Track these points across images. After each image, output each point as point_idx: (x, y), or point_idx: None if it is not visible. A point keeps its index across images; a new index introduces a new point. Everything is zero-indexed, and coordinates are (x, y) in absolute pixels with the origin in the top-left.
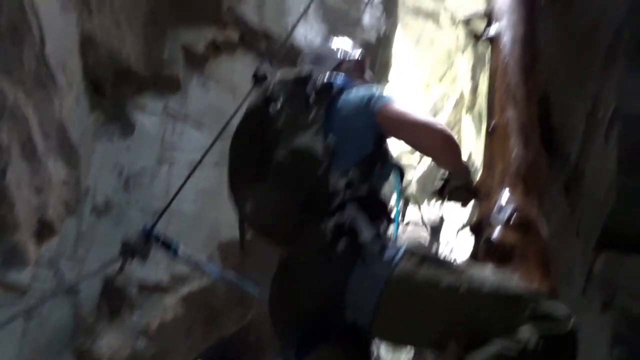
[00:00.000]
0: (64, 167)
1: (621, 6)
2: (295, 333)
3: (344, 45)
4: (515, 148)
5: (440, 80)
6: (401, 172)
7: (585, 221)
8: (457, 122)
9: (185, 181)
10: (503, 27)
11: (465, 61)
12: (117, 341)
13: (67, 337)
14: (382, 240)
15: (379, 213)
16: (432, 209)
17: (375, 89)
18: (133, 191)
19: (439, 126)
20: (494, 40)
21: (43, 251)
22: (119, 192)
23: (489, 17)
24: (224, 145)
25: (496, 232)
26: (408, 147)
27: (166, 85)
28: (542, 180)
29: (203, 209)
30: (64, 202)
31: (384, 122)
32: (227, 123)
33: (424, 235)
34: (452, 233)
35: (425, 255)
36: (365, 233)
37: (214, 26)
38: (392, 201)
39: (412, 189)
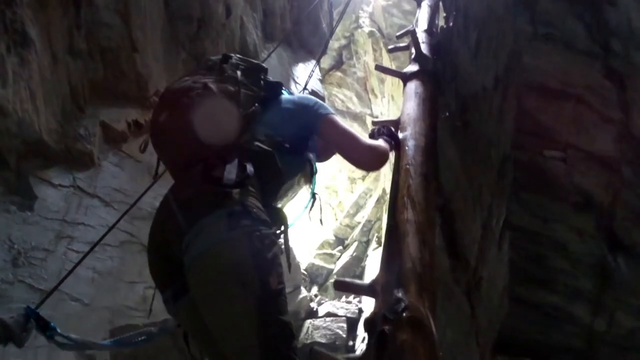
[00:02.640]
0: None
1: (503, 138)
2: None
3: None
4: (411, 248)
5: (363, 179)
6: (313, 169)
7: (483, 325)
8: (378, 219)
9: (81, 260)
10: (407, 135)
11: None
12: None
13: None
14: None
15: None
16: (351, 302)
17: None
18: (22, 268)
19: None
20: (399, 146)
21: None
22: (5, 268)
23: (396, 125)
24: (134, 225)
25: (388, 327)
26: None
27: (78, 160)
28: (435, 282)
29: (99, 292)
30: None
31: (327, 127)
32: (135, 202)
33: (341, 327)
34: None
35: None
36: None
37: (138, 107)
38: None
39: (333, 279)
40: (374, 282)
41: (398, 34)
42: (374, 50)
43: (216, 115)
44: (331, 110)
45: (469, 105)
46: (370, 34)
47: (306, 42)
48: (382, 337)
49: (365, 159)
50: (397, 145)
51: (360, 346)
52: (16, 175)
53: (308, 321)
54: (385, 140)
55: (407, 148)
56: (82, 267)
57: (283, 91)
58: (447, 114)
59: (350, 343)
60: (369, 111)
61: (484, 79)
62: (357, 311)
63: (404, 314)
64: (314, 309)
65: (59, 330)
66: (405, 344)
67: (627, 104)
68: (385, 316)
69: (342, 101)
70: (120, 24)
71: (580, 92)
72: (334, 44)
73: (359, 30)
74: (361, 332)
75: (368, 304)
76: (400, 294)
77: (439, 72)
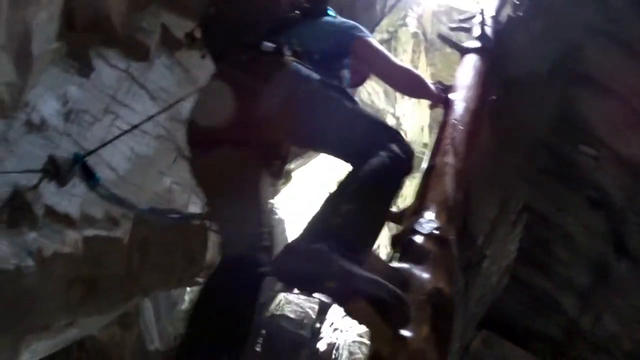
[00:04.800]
0: (14, 70)
1: (541, 123)
2: None
3: None
4: (447, 186)
5: None
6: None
7: (474, 300)
8: None
9: (127, 131)
10: (458, 97)
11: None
12: (5, 251)
13: None
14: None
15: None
16: None
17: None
18: (72, 124)
19: (408, 68)
20: (449, 104)
21: None
22: (58, 118)
23: (449, 90)
24: (172, 124)
25: (417, 238)
26: None
27: (135, 50)
28: (460, 223)
29: (132, 171)
30: (2, 102)
31: (361, 46)
32: (176, 103)
33: (312, 308)
34: (340, 314)
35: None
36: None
37: (196, 21)
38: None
39: None
40: (404, 210)
41: (462, 17)
42: (414, 51)
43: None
44: (368, 33)
45: (515, 88)
46: (414, 35)
47: (357, 16)
48: (410, 244)
49: (398, 78)
50: (446, 101)
51: (327, 330)
52: (80, 42)
53: (282, 294)
54: (437, 88)
55: (456, 107)
56: (122, 143)
57: (329, 12)
58: (494, 97)
59: (317, 325)
60: (392, 110)
61: (537, 65)
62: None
63: (434, 231)
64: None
65: (101, 182)
66: (431, 253)
67: None
68: (415, 229)
69: (369, 94)
70: None
71: (628, 94)
72: (376, 36)
73: (404, 28)
74: (330, 318)
75: None
76: (432, 217)
77: (496, 54)
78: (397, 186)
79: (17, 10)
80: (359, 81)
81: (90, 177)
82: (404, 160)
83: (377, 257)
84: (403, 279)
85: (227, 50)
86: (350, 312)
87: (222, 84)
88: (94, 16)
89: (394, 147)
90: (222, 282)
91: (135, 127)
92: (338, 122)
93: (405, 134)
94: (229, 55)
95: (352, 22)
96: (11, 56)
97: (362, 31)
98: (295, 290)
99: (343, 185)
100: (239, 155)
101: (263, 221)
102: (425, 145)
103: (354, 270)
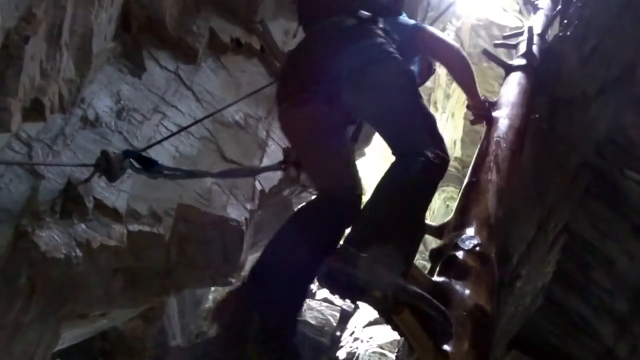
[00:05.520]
0: (74, 68)
1: (588, 145)
2: None
3: None
4: (489, 203)
5: None
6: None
7: (506, 319)
8: None
9: (176, 133)
10: (503, 114)
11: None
12: (57, 240)
13: (14, 212)
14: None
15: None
16: None
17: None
18: (123, 122)
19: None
20: (492, 121)
21: (24, 127)
22: (111, 115)
23: (492, 106)
24: (215, 127)
25: (459, 253)
26: None
27: (185, 52)
28: (500, 241)
29: None
30: (61, 97)
31: (422, 34)
32: (221, 110)
33: (334, 315)
34: (361, 324)
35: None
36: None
37: (243, 28)
38: None
39: None
40: (444, 224)
41: (506, 34)
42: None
43: None
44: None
45: (562, 108)
46: None
47: None
48: (452, 260)
49: (456, 60)
50: (489, 117)
51: (347, 339)
52: (133, 43)
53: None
54: (484, 101)
55: (500, 124)
56: (169, 143)
57: (402, 15)
58: (537, 115)
59: (338, 333)
60: None
61: (587, 86)
62: (353, 306)
63: (476, 248)
64: (312, 290)
65: (164, 165)
66: (472, 269)
67: None
68: (456, 245)
69: None
70: None
71: None
72: None
73: None
74: (351, 327)
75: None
76: (474, 233)
77: (543, 73)
78: (432, 191)
79: (79, 11)
80: (422, 80)
81: (151, 164)
82: (437, 168)
83: (420, 270)
84: (445, 294)
85: (324, 16)
86: (393, 323)
87: (313, 43)
88: (148, 18)
89: (432, 154)
90: (316, 210)
91: (183, 129)
92: (403, 108)
93: None
94: (326, 20)
95: (414, 21)
96: (72, 54)
97: (423, 25)
98: (317, 297)
99: (383, 189)
100: (321, 111)
101: (352, 173)
102: (456, 159)
103: (401, 282)
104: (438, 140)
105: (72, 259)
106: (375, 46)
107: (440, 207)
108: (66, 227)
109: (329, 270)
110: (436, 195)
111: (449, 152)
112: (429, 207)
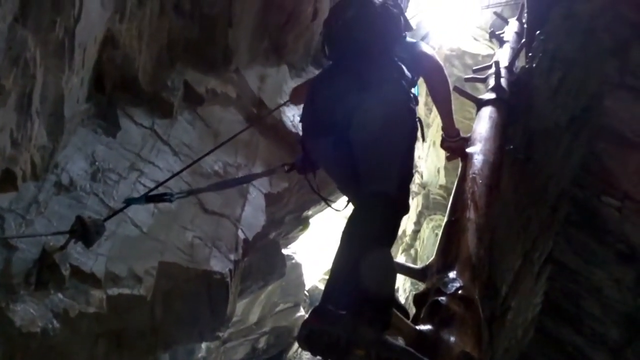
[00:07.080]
0: (46, 134)
1: (565, 174)
2: None
3: None
4: (469, 242)
5: None
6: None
7: (501, 353)
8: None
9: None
10: (477, 150)
11: (412, 206)
12: (33, 313)
13: None
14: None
15: None
16: None
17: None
18: (98, 183)
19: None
20: (467, 157)
21: None
22: (85, 178)
23: (466, 142)
24: (194, 179)
25: (442, 298)
26: None
27: (159, 107)
28: (484, 279)
29: (156, 226)
30: (33, 165)
31: (416, 47)
32: (198, 160)
33: None
34: None
35: None
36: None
37: (218, 78)
38: None
39: None
40: (426, 266)
41: (475, 68)
42: (427, 94)
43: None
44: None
45: (536, 139)
46: None
47: None
48: (435, 306)
49: (433, 63)
50: (464, 154)
51: None
52: (107, 103)
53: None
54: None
55: (475, 160)
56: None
57: (407, 38)
58: (512, 147)
59: None
60: None
61: (558, 117)
62: None
63: (459, 291)
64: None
65: (174, 193)
66: (457, 315)
67: None
68: (439, 290)
69: None
70: None
71: None
72: None
73: None
74: None
75: None
76: (456, 275)
77: (513, 105)
78: (396, 228)
79: (50, 77)
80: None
81: (162, 197)
82: (396, 212)
83: (402, 319)
84: (430, 343)
85: (355, 55)
86: None
87: (339, 76)
88: (122, 77)
89: (393, 197)
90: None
91: (161, 184)
92: (392, 151)
93: (422, 176)
94: (356, 57)
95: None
96: (43, 120)
97: (427, 48)
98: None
99: (351, 235)
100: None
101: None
102: (441, 187)
103: (383, 338)
104: (404, 192)
105: (49, 331)
106: (397, 103)
107: (430, 236)
108: (42, 299)
109: (310, 332)
110: (424, 224)
111: (434, 179)
112: (418, 237)
